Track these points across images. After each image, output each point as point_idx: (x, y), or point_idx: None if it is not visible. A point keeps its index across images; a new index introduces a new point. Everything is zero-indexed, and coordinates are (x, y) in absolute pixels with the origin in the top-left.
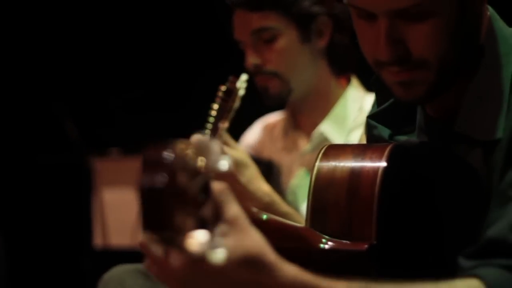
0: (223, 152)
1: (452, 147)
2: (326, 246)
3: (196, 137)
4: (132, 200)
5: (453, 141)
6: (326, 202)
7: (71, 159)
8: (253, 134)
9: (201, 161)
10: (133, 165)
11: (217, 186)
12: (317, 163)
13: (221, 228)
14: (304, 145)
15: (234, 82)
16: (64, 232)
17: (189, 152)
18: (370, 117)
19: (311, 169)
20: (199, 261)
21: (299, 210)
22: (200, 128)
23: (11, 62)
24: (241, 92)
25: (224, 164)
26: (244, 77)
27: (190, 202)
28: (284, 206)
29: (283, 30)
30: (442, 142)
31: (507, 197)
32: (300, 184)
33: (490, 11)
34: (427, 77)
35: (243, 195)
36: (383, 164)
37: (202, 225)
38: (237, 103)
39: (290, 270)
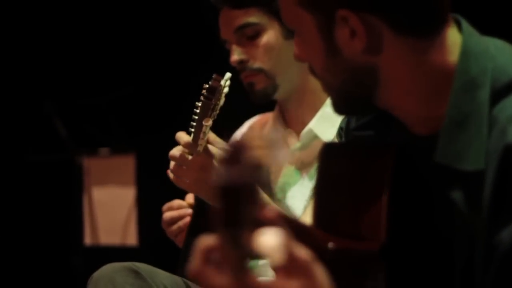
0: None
1: (432, 175)
2: (336, 246)
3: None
4: (121, 199)
5: (433, 170)
6: (333, 202)
7: (61, 157)
8: (242, 132)
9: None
10: (122, 164)
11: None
12: (320, 164)
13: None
14: (294, 143)
15: (218, 80)
16: (54, 231)
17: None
18: (355, 129)
19: (316, 170)
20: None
21: (288, 208)
22: (191, 125)
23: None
24: (225, 90)
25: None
26: (228, 75)
27: (250, 203)
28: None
29: (266, 26)
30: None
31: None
32: (289, 181)
33: (464, 26)
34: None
35: None
36: (391, 163)
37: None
38: (221, 101)
39: None
